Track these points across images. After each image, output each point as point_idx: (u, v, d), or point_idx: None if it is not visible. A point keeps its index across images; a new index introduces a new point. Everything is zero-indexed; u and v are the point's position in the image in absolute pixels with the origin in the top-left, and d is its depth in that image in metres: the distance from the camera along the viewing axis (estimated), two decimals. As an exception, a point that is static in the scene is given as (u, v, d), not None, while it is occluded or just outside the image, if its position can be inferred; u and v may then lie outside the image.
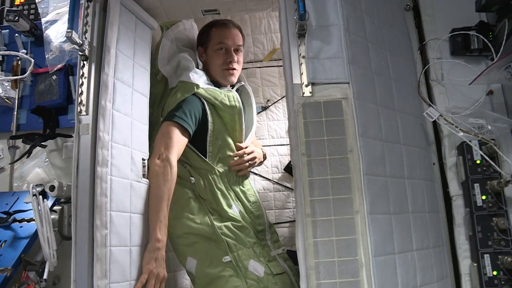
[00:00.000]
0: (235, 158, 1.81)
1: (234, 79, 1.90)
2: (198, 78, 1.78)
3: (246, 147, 1.86)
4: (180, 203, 1.71)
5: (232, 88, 1.92)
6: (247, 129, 1.91)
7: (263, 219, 1.80)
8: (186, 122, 1.66)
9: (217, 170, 1.76)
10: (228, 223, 1.69)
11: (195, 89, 1.73)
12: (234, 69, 1.87)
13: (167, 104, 1.79)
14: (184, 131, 1.65)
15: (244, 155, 1.84)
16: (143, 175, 1.57)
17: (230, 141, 1.81)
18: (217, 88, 1.82)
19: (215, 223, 1.67)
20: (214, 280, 1.61)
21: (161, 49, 1.85)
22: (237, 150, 1.84)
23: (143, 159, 1.58)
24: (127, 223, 1.44)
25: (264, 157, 2.03)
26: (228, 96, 1.79)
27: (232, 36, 1.87)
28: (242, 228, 1.70)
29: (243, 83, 1.99)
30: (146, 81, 1.68)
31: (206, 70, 1.90)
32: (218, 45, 1.85)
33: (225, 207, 1.72)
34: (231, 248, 1.63)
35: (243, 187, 1.85)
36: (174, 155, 1.61)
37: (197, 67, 1.91)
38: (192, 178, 1.73)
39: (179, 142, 1.64)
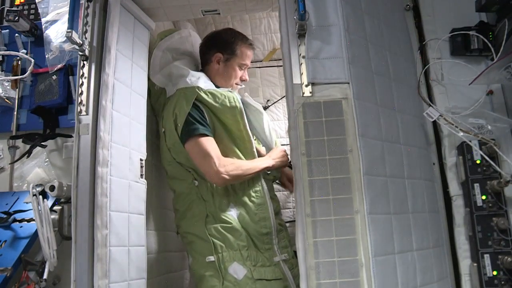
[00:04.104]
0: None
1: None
2: (196, 80, 1.80)
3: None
4: (185, 205, 1.78)
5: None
6: (264, 138, 1.96)
7: (268, 221, 1.77)
8: (205, 129, 1.72)
9: None
10: (218, 225, 1.71)
11: (197, 91, 1.74)
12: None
13: (171, 112, 1.77)
14: (209, 137, 1.73)
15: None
16: (141, 175, 1.58)
17: (233, 146, 1.81)
18: (217, 89, 1.83)
19: (207, 224, 1.71)
20: (200, 279, 1.68)
21: (152, 60, 1.87)
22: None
23: (141, 159, 1.59)
24: (125, 223, 1.45)
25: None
26: (228, 97, 1.79)
27: (251, 57, 2.00)
28: (232, 231, 1.70)
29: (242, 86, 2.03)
30: (144, 81, 1.69)
31: (212, 72, 1.93)
32: (243, 64, 1.95)
33: (220, 209, 1.74)
34: (217, 249, 1.67)
35: (249, 189, 1.83)
36: (222, 157, 1.72)
37: (197, 70, 1.93)
38: (196, 181, 1.77)
39: (214, 147, 1.72)
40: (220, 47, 1.93)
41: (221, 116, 1.79)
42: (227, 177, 1.68)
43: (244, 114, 1.82)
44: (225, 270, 1.64)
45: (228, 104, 1.77)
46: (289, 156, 1.82)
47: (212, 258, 1.65)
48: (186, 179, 1.78)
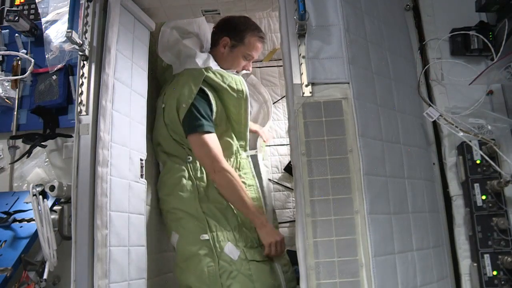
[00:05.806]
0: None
1: None
2: (205, 61, 1.83)
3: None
4: (174, 180, 1.76)
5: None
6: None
7: (259, 202, 1.82)
8: (210, 125, 1.74)
9: None
10: (211, 204, 1.72)
11: (205, 73, 1.77)
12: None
13: (177, 89, 1.78)
14: (212, 134, 1.74)
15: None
16: (141, 175, 1.58)
17: (229, 126, 1.86)
18: (224, 71, 1.87)
19: (200, 202, 1.71)
20: (191, 257, 1.65)
21: (160, 36, 1.91)
22: None
23: (141, 160, 1.59)
24: (126, 223, 1.45)
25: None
26: (235, 79, 1.84)
27: (259, 50, 2.00)
28: (226, 210, 1.72)
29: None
30: (144, 81, 1.69)
31: (217, 54, 1.95)
32: (249, 54, 1.95)
33: (212, 187, 1.75)
34: (211, 228, 1.67)
35: (240, 170, 1.86)
36: (223, 160, 1.71)
37: (202, 50, 1.96)
38: (189, 157, 1.78)
39: (217, 146, 1.73)
40: (230, 32, 1.95)
41: (225, 97, 1.82)
42: (216, 180, 1.72)
43: (248, 99, 1.85)
44: (220, 250, 1.63)
45: (234, 86, 1.82)
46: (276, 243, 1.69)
47: (206, 236, 1.64)
48: (179, 155, 1.79)
